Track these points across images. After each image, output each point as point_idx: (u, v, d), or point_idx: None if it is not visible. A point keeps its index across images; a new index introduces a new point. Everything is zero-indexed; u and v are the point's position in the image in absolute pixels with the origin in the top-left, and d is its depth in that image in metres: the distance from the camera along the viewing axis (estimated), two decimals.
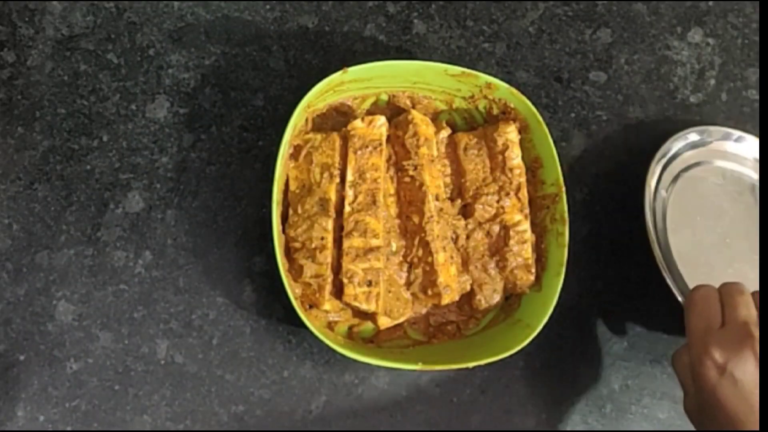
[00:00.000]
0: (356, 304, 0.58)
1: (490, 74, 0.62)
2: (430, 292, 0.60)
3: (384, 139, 0.61)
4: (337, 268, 0.59)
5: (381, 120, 0.61)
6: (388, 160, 0.62)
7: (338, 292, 0.58)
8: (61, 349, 0.59)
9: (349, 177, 0.60)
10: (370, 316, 0.61)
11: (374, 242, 0.58)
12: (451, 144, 0.65)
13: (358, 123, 0.61)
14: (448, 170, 0.64)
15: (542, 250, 0.62)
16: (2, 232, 0.60)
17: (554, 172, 0.62)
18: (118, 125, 0.63)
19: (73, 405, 0.58)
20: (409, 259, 0.61)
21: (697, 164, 0.70)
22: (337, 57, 0.66)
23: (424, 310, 0.62)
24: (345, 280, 0.58)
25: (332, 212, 0.59)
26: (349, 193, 0.59)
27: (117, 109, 0.63)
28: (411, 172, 0.61)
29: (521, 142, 0.63)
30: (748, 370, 0.51)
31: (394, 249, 0.61)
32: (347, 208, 0.59)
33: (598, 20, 0.71)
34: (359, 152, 0.60)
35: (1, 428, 0.57)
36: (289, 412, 0.60)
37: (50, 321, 0.59)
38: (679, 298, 0.62)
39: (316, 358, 0.62)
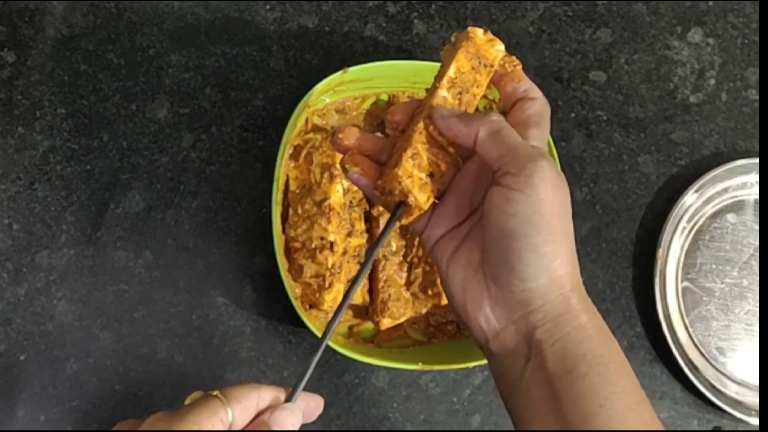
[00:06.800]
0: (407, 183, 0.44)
1: None
2: (430, 292, 0.60)
3: None
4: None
5: None
6: None
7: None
8: (61, 349, 0.59)
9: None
10: (370, 316, 0.61)
11: None
12: None
13: None
14: None
15: None
16: (2, 232, 0.60)
17: None
18: (118, 125, 0.63)
19: (73, 405, 0.58)
20: (409, 259, 0.61)
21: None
22: (337, 57, 0.66)
23: (424, 310, 0.62)
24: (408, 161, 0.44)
25: (336, 211, 0.59)
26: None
27: (117, 109, 0.63)
28: None
29: None
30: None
31: (394, 249, 0.61)
32: None
33: (598, 20, 0.71)
34: None
35: (1, 428, 0.57)
36: None
37: (50, 321, 0.59)
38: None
39: None
